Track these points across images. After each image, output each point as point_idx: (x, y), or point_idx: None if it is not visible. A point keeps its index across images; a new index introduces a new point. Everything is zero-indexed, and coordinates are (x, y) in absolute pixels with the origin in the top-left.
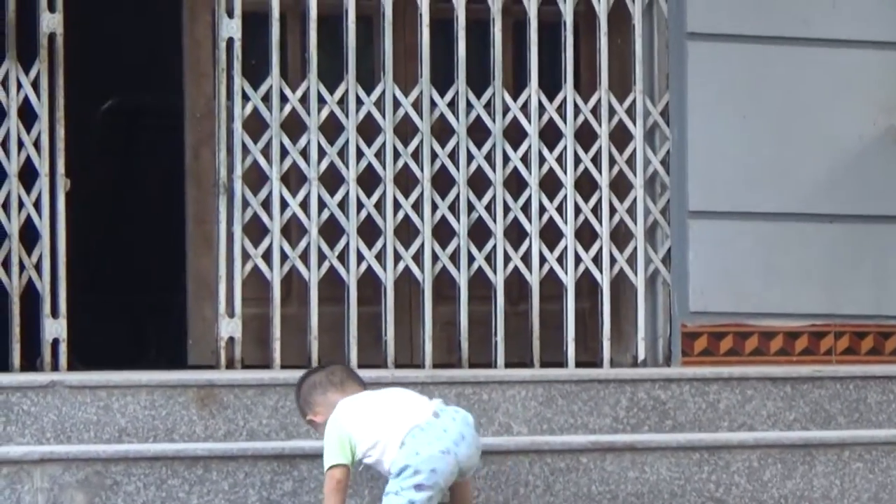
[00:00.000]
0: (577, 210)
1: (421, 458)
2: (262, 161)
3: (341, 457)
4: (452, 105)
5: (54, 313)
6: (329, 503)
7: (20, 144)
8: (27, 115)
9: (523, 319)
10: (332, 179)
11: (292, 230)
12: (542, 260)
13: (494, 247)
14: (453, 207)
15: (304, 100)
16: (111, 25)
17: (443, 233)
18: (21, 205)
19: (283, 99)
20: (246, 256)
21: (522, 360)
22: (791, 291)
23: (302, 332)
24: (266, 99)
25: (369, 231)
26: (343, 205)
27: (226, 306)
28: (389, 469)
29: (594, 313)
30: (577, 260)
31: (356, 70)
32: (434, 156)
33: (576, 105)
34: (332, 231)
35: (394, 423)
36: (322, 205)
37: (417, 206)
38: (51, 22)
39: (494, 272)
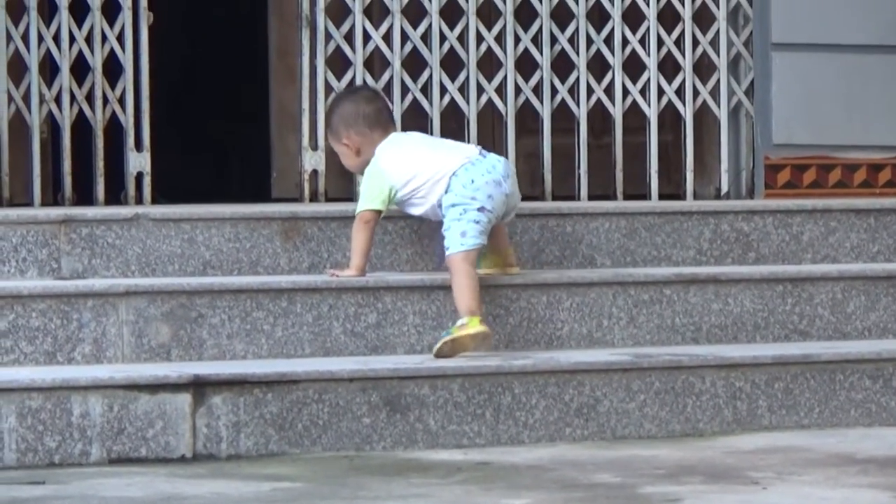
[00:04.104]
0: (660, 42)
1: (476, 185)
2: None
3: (376, 203)
4: None
5: (138, 147)
6: (357, 239)
7: None
8: None
9: (606, 152)
10: (414, 12)
11: (375, 63)
12: (626, 92)
13: (577, 79)
14: (536, 40)
15: None
16: None
17: (526, 65)
18: (104, 38)
19: None
20: (329, 89)
21: (605, 193)
22: (874, 124)
23: None
24: None
25: (452, 63)
26: (426, 37)
27: (309, 139)
28: (440, 202)
29: (677, 146)
30: (660, 92)
31: None
32: None
33: None
34: (414, 64)
35: (442, 161)
36: (405, 37)
37: (500, 39)
38: None
39: (577, 104)
